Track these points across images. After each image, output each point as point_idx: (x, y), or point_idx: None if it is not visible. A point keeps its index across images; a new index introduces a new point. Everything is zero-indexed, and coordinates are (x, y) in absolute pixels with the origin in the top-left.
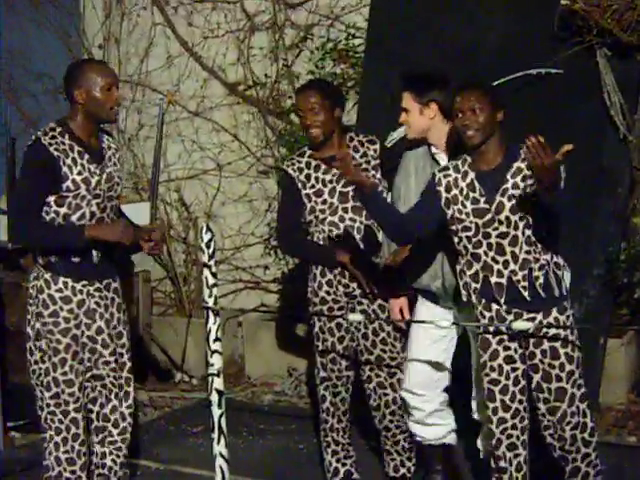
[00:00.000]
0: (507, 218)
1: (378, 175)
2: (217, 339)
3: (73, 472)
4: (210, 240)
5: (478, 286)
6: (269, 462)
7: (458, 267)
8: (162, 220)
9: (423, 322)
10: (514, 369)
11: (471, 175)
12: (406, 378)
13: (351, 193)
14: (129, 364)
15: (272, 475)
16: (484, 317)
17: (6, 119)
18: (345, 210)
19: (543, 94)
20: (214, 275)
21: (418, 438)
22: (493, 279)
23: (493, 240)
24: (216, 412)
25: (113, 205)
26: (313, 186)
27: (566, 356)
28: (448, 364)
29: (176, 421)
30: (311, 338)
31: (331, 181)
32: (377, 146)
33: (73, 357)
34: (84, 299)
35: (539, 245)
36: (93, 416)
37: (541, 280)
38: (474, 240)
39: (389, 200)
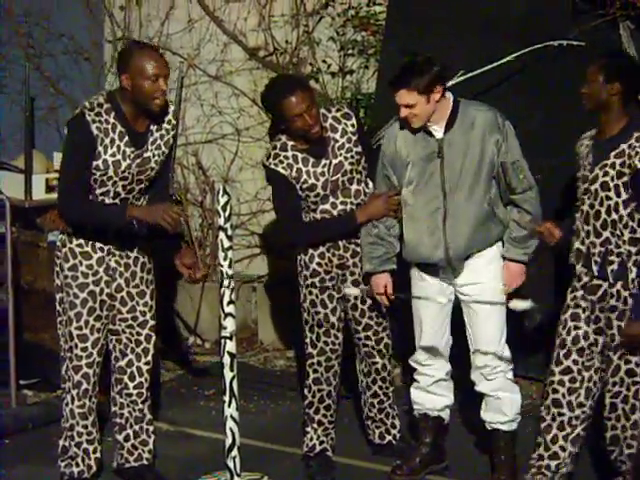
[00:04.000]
0: (596, 191)
1: (358, 149)
2: (231, 302)
3: (85, 427)
4: (226, 203)
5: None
6: (280, 427)
7: None
8: (182, 207)
9: (419, 298)
10: (576, 327)
11: (590, 143)
12: (419, 347)
13: (341, 179)
14: (151, 322)
15: (282, 440)
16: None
17: (25, 78)
18: (336, 196)
19: (565, 66)
20: (229, 238)
21: (417, 406)
22: (577, 244)
23: (584, 208)
24: (228, 375)
25: (142, 187)
26: (306, 181)
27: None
28: (449, 333)
29: (188, 384)
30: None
31: (323, 173)
32: (353, 120)
33: (89, 313)
34: (103, 257)
35: (626, 233)
36: (112, 369)
37: (614, 267)
38: (578, 203)
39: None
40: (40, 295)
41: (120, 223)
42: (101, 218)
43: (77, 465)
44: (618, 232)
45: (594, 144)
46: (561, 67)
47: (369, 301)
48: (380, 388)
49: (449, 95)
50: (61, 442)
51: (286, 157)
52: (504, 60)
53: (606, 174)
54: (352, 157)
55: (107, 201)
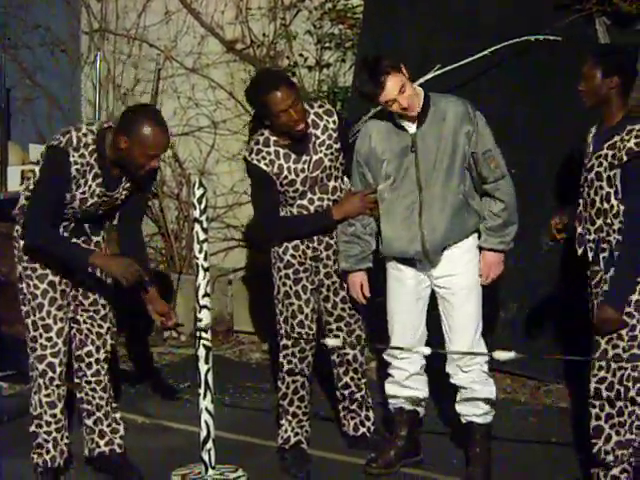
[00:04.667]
0: (592, 181)
1: (337, 146)
2: (206, 294)
3: (53, 415)
4: (202, 195)
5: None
6: (255, 420)
7: None
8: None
9: (401, 349)
10: None
11: (593, 133)
12: (392, 340)
13: (320, 175)
14: (110, 315)
15: (257, 433)
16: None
17: (1, 70)
18: (314, 192)
19: (542, 61)
20: (205, 230)
21: (392, 400)
22: (579, 229)
23: (584, 195)
24: (203, 367)
25: (95, 215)
26: (286, 177)
27: None
28: (424, 327)
29: (163, 376)
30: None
31: (303, 170)
32: (335, 117)
33: (51, 303)
34: None
35: (616, 223)
36: (72, 355)
37: (605, 255)
38: (581, 190)
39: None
40: (15, 287)
41: (80, 266)
42: (63, 255)
43: (47, 452)
44: (609, 221)
45: (595, 134)
46: (538, 62)
47: (342, 293)
48: (352, 379)
49: (420, 89)
50: (31, 429)
51: (268, 153)
52: (481, 54)
53: (600, 164)
54: (332, 154)
55: (64, 222)
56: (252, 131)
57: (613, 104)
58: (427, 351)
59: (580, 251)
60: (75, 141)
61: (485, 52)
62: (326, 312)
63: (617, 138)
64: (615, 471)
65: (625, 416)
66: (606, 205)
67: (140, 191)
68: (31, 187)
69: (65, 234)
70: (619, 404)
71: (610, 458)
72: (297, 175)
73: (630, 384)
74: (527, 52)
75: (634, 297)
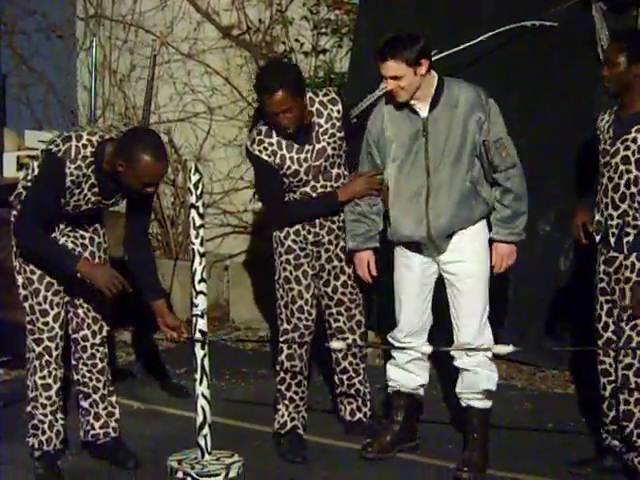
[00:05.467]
0: (616, 165)
1: (341, 134)
2: (202, 280)
3: (48, 397)
4: (198, 181)
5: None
6: (251, 405)
7: None
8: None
9: (403, 348)
10: (607, 301)
11: (612, 118)
12: (398, 325)
13: (324, 164)
14: (108, 300)
15: (253, 418)
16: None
17: None
18: (317, 180)
19: (538, 47)
20: (201, 216)
21: (391, 383)
22: (597, 216)
23: (604, 181)
24: (199, 353)
25: (90, 215)
26: (289, 167)
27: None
28: (429, 313)
29: (159, 362)
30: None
31: (306, 159)
32: (339, 106)
33: (47, 288)
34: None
35: None
36: (70, 338)
37: (630, 239)
38: (599, 176)
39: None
40: (13, 272)
41: (66, 272)
42: (50, 258)
43: (43, 433)
44: (636, 205)
45: (616, 119)
46: (534, 48)
47: (343, 277)
48: (350, 364)
49: (434, 74)
50: (27, 409)
51: (270, 144)
52: (477, 40)
53: (627, 148)
54: (335, 142)
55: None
56: (255, 120)
57: (636, 91)
58: (428, 350)
59: (598, 239)
60: (73, 152)
61: (481, 38)
62: (326, 296)
63: None
64: None
65: None
66: (634, 189)
67: (140, 201)
68: (29, 178)
69: (61, 225)
70: None
71: None
72: (300, 165)
73: None
74: (524, 38)
75: None
